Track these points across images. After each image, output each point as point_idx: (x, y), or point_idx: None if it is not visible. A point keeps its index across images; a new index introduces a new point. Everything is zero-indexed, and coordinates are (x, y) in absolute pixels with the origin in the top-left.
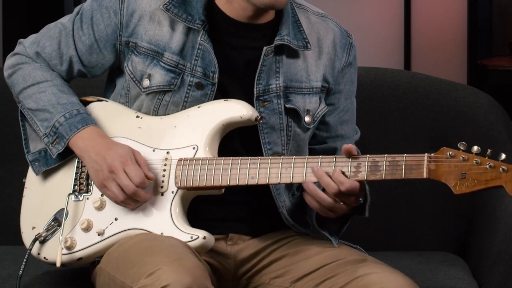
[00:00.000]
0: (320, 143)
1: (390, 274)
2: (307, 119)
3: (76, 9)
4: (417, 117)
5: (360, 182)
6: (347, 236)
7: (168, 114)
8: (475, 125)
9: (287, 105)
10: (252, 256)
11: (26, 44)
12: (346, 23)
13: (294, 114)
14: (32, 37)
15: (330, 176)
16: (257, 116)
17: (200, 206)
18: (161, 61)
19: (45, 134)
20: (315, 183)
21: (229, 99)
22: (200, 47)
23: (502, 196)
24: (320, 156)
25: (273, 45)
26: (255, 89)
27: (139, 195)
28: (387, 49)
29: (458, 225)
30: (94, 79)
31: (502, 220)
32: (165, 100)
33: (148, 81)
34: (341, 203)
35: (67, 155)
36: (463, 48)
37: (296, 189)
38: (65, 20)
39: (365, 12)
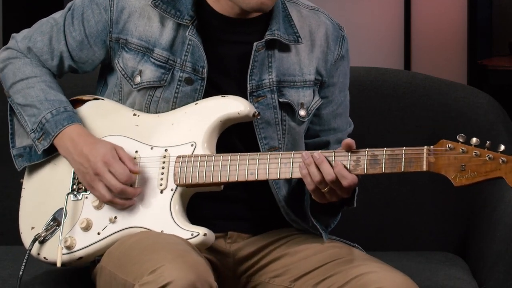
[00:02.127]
0: (313, 137)
1: (388, 273)
2: (301, 112)
3: (68, 5)
4: (417, 117)
5: (358, 176)
6: (347, 235)
7: (159, 111)
8: (475, 125)
9: (280, 100)
10: (252, 255)
11: (18, 39)
12: (346, 23)
13: (288, 108)
14: (24, 32)
15: (331, 165)
16: (255, 112)
17: (199, 204)
18: (152, 57)
19: (32, 129)
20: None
21: (226, 96)
22: (189, 42)
23: (502, 196)
24: (320, 150)
25: (263, 40)
26: (248, 85)
27: (126, 193)
28: (387, 49)
29: (458, 225)
30: (86, 77)
31: (502, 220)
32: (156, 96)
33: (139, 77)
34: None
35: (52, 152)
36: (463, 48)
37: (296, 183)
38: (57, 15)
39: (365, 12)
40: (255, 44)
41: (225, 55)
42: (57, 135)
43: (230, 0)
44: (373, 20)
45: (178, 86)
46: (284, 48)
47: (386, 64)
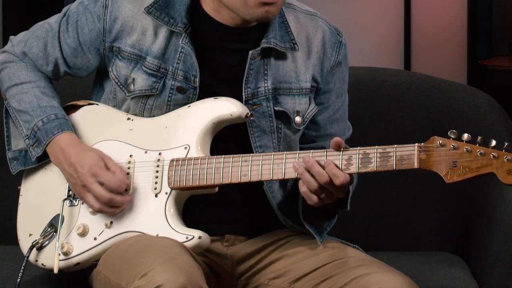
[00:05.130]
0: (309, 142)
1: (389, 273)
2: (297, 119)
3: (64, 10)
4: (417, 117)
5: (350, 175)
6: (347, 235)
7: (153, 116)
8: (475, 125)
9: (276, 108)
10: (249, 256)
11: (15, 42)
12: (346, 23)
13: (283, 116)
14: (21, 35)
15: (322, 166)
16: (248, 113)
17: (196, 208)
18: (144, 66)
19: (27, 135)
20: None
21: (218, 97)
22: (182, 50)
23: (502, 196)
24: (311, 150)
25: (258, 48)
26: (243, 93)
27: (114, 202)
28: (387, 49)
29: (458, 225)
30: (83, 81)
31: (502, 220)
32: (149, 104)
33: (133, 85)
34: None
35: (46, 158)
36: (463, 48)
37: (290, 188)
38: (53, 20)
39: (365, 12)
40: (250, 52)
41: (220, 62)
42: (48, 144)
43: (233, 11)
44: (373, 20)
45: (170, 95)
46: (280, 55)
47: (386, 64)
